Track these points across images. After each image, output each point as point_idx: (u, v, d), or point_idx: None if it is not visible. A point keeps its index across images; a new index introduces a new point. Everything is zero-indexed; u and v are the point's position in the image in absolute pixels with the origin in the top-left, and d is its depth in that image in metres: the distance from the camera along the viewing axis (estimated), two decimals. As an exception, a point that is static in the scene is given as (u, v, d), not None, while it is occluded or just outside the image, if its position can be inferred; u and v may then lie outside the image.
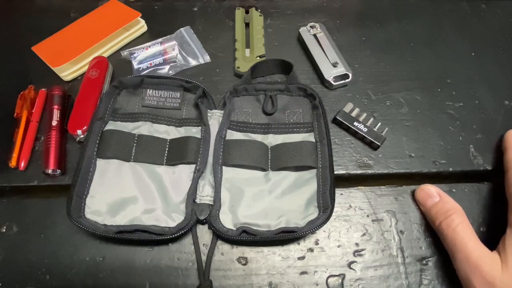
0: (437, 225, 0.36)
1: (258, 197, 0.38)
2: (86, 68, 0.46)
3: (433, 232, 0.38)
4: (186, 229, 0.36)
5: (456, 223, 0.35)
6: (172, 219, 0.37)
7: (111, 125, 0.41)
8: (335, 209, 0.37)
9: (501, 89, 0.48)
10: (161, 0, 0.55)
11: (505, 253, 0.32)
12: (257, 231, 0.36)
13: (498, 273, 0.31)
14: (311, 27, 0.50)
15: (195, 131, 0.42)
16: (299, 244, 0.38)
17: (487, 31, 0.53)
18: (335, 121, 0.44)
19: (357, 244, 0.38)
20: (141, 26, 0.51)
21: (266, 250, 0.38)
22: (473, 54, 0.51)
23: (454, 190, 0.41)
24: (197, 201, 0.38)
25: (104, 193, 0.38)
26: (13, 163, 0.40)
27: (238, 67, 0.47)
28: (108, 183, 0.38)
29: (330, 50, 0.48)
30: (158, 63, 0.48)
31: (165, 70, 0.48)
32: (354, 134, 0.43)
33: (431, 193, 0.38)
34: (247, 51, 0.50)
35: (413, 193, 0.40)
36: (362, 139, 0.43)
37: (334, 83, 0.46)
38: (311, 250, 0.38)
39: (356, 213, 0.40)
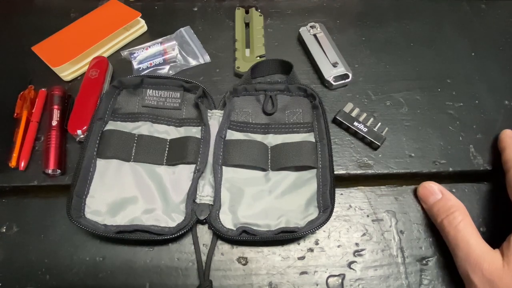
0: (439, 222, 0.36)
1: (258, 197, 0.38)
2: (86, 68, 0.46)
3: (433, 232, 0.38)
4: (186, 229, 0.36)
5: (458, 221, 0.35)
6: (172, 219, 0.37)
7: (111, 125, 0.41)
8: (335, 209, 0.37)
9: (501, 89, 0.48)
10: (161, 0, 0.55)
11: (509, 252, 0.32)
12: (257, 231, 0.36)
13: (499, 271, 0.31)
14: (311, 27, 0.50)
15: (195, 131, 0.42)
16: (299, 244, 0.38)
17: (487, 31, 0.53)
18: (335, 121, 0.44)
19: (357, 244, 0.38)
20: (141, 26, 0.51)
21: (266, 250, 0.38)
22: (473, 54, 0.51)
23: (454, 190, 0.41)
24: (197, 201, 0.38)
25: (104, 193, 0.38)
26: (13, 163, 0.40)
27: (238, 67, 0.47)
28: (108, 183, 0.38)
29: (330, 50, 0.48)
30: (158, 63, 0.48)
31: (165, 70, 0.48)
32: (354, 134, 0.43)
33: (433, 190, 0.38)
34: (247, 51, 0.50)
35: (414, 192, 0.41)
36: (362, 139, 0.43)
37: (334, 83, 0.46)
38: (311, 250, 0.38)
39: (356, 213, 0.40)
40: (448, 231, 0.35)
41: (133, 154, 0.40)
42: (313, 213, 0.37)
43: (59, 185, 0.40)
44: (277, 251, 0.38)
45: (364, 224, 0.39)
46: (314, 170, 0.39)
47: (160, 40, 0.50)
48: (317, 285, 0.36)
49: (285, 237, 0.35)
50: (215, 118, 0.42)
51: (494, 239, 0.35)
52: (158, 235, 0.35)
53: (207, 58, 0.49)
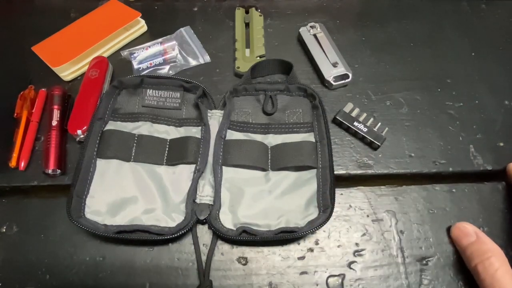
0: (473, 267, 0.34)
1: (258, 197, 0.38)
2: (86, 68, 0.46)
3: (433, 232, 0.38)
4: (186, 229, 0.36)
5: (495, 268, 0.32)
6: (172, 219, 0.37)
7: (111, 125, 0.41)
8: (335, 209, 0.37)
9: (501, 89, 0.47)
10: (161, 0, 0.55)
11: None
12: (257, 231, 0.36)
13: None
14: (311, 27, 0.50)
15: (195, 131, 0.42)
16: (299, 244, 0.38)
17: (487, 31, 0.53)
18: (335, 121, 0.44)
19: (357, 244, 0.38)
20: (141, 26, 0.51)
21: (266, 250, 0.38)
22: (473, 54, 0.51)
23: (454, 190, 0.41)
24: (197, 201, 0.38)
25: (104, 193, 0.38)
26: (13, 163, 0.40)
27: (238, 67, 0.47)
28: (108, 183, 0.38)
29: (330, 50, 0.48)
30: (158, 63, 0.48)
31: (165, 70, 0.48)
32: (354, 134, 0.43)
33: (467, 231, 0.36)
34: (247, 51, 0.49)
35: (414, 192, 0.40)
36: (362, 139, 0.43)
37: (334, 83, 0.46)
38: (311, 250, 0.38)
39: (356, 213, 0.40)
40: (484, 277, 0.32)
41: (133, 154, 0.40)
42: (313, 213, 0.37)
43: (59, 185, 0.40)
44: (277, 251, 0.38)
45: (364, 224, 0.39)
46: (314, 170, 0.39)
47: (160, 40, 0.50)
48: (317, 285, 0.36)
49: (285, 237, 0.35)
50: (215, 118, 0.42)
51: (495, 239, 0.35)
52: (158, 235, 0.35)
53: (207, 58, 0.49)
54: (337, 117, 0.43)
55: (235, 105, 0.44)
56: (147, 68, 0.48)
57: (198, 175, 0.38)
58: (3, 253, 0.37)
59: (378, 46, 0.51)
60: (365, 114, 0.44)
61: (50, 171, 0.40)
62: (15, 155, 0.40)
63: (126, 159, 0.40)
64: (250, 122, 0.43)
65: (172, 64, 0.49)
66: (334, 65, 0.47)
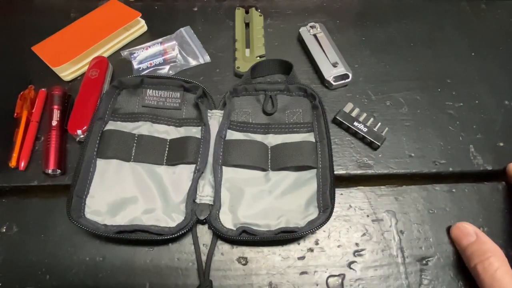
0: (473, 267, 0.34)
1: (258, 197, 0.38)
2: (86, 68, 0.46)
3: (433, 232, 0.38)
4: (186, 229, 0.36)
5: (494, 268, 0.32)
6: (172, 219, 0.37)
7: (111, 125, 0.41)
8: (335, 209, 0.37)
9: (501, 89, 0.47)
10: (161, 0, 0.55)
11: None
12: (257, 231, 0.36)
13: None
14: (311, 27, 0.50)
15: (195, 131, 0.42)
16: (299, 244, 0.38)
17: (487, 31, 0.53)
18: (335, 121, 0.44)
19: (357, 244, 0.38)
20: (141, 26, 0.51)
21: (266, 250, 0.38)
22: (473, 54, 0.51)
23: (454, 190, 0.41)
24: (197, 201, 0.38)
25: (104, 193, 0.38)
26: (13, 163, 0.40)
27: (238, 67, 0.47)
28: (108, 183, 0.38)
29: (330, 50, 0.48)
30: (158, 63, 0.48)
31: (165, 70, 0.48)
32: (354, 134, 0.43)
33: (468, 231, 0.36)
34: (247, 51, 0.49)
35: (414, 192, 0.41)
36: (362, 139, 0.43)
37: (334, 83, 0.46)
38: (311, 250, 0.38)
39: (356, 213, 0.40)
40: (483, 278, 0.32)
41: (133, 154, 0.40)
42: (313, 213, 0.37)
43: (59, 185, 0.40)
44: (277, 251, 0.38)
45: (364, 224, 0.39)
46: (314, 170, 0.39)
47: (160, 40, 0.50)
48: (317, 285, 0.36)
49: (285, 237, 0.35)
50: (215, 118, 0.42)
51: (495, 239, 0.35)
52: (158, 235, 0.35)
53: (207, 58, 0.49)
54: (337, 117, 0.43)
55: (235, 105, 0.44)
56: (147, 68, 0.48)
57: (198, 175, 0.38)
58: (3, 253, 0.37)
59: (378, 46, 0.51)
60: (365, 114, 0.44)
61: (50, 171, 0.40)
62: (15, 155, 0.40)
63: (126, 159, 0.40)
64: (250, 122, 0.43)
65: (172, 64, 0.49)
66: (334, 65, 0.47)
